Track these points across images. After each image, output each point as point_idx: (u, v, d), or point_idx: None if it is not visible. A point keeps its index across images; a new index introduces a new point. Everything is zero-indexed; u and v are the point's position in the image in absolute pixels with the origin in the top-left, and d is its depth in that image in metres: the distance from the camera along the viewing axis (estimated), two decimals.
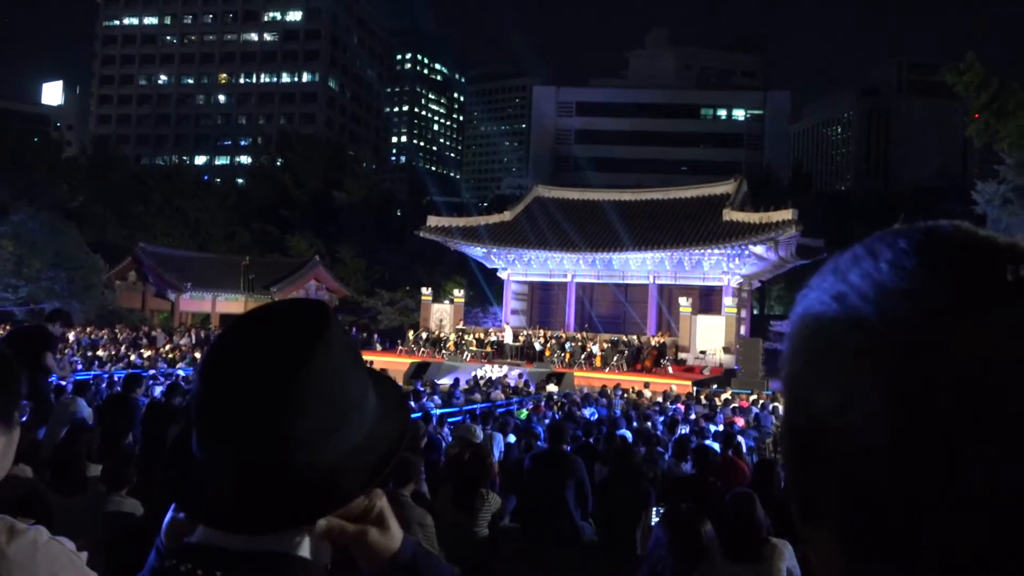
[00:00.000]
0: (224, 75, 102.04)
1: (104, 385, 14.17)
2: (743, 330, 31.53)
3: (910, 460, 0.42)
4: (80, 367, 19.16)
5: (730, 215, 29.64)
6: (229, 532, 0.84)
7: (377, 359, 26.43)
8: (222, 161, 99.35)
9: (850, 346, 0.45)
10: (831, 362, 0.46)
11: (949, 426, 0.41)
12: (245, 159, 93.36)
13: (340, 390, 0.86)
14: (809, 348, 0.48)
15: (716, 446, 9.19)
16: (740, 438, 9.83)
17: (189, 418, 0.89)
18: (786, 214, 27.39)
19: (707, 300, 31.50)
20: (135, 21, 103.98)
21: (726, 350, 27.76)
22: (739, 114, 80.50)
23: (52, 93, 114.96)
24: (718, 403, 17.39)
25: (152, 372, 17.32)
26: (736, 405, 17.31)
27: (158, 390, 13.13)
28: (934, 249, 0.45)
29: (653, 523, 2.97)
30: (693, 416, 13.80)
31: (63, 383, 10.52)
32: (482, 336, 30.20)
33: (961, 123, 21.71)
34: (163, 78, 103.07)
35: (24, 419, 6.39)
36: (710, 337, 28.23)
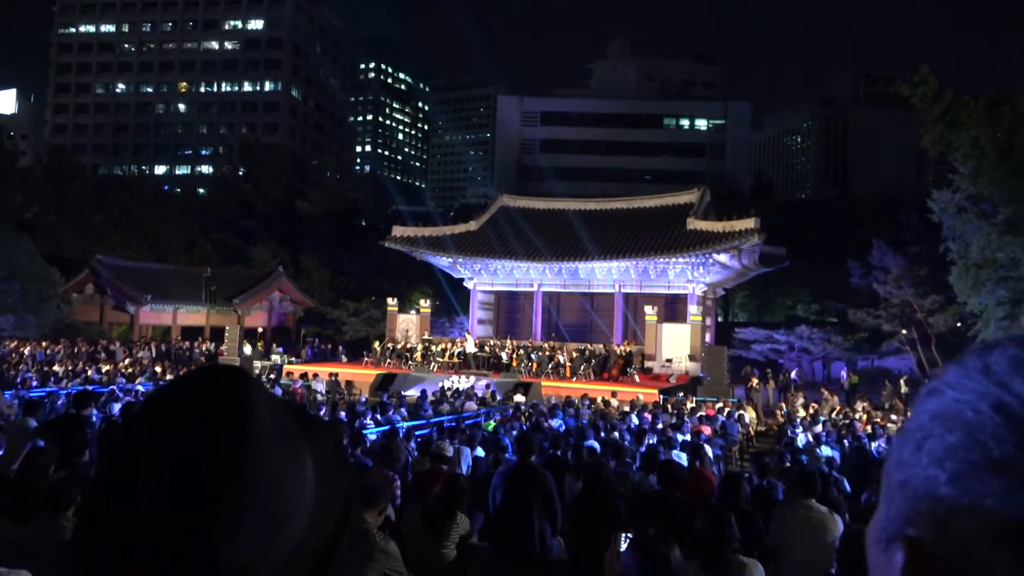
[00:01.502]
0: (184, 84, 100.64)
1: (60, 402, 13.75)
2: (708, 338, 31.81)
3: None
4: (35, 383, 18.64)
5: (694, 224, 29.92)
6: None
7: (343, 371, 26.14)
8: (183, 171, 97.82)
9: (1019, 472, 0.40)
10: (991, 486, 0.41)
11: None
12: (206, 169, 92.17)
13: (279, 490, 0.71)
14: (956, 462, 0.43)
15: (683, 456, 9.23)
16: (707, 447, 9.87)
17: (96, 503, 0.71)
18: (748, 223, 27.73)
19: (672, 308, 31.74)
20: (92, 29, 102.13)
21: (691, 358, 27.97)
22: (701, 124, 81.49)
23: (5, 101, 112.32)
24: (685, 411, 17.49)
25: (111, 388, 16.87)
26: (702, 413, 17.41)
27: (116, 407, 12.79)
28: None
29: (622, 548, 2.92)
30: (660, 425, 13.84)
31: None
32: (449, 346, 30.05)
33: (917, 134, 22.18)
34: (121, 86, 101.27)
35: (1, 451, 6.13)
36: (676, 345, 28.42)
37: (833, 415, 19.72)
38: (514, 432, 11.66)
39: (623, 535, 2.96)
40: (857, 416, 19.31)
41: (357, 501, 4.00)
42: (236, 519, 0.68)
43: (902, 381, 27.04)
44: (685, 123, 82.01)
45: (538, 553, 5.58)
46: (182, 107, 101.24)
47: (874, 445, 13.46)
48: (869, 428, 16.33)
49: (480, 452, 9.51)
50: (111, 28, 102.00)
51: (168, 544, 0.67)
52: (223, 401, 0.71)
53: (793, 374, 29.50)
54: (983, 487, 0.41)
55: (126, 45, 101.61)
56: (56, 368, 23.90)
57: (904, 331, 30.80)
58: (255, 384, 0.73)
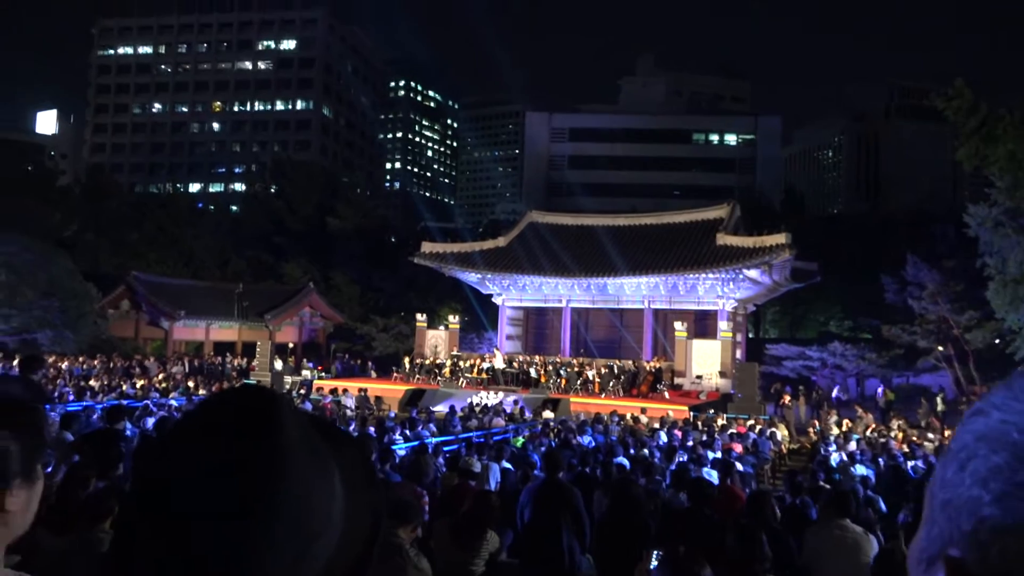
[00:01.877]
0: (218, 103, 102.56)
1: (95, 416, 13.99)
2: (739, 354, 31.47)
3: None
4: (72, 398, 18.99)
5: (724, 239, 29.71)
6: None
7: (372, 386, 26.28)
8: (216, 188, 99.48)
9: None
10: None
11: None
12: (239, 186, 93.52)
13: (308, 503, 0.73)
14: (1001, 483, 0.43)
15: (714, 473, 9.12)
16: (738, 464, 9.75)
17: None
18: (780, 238, 27.47)
19: (702, 324, 31.47)
20: (130, 51, 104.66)
21: (722, 374, 27.68)
22: (730, 139, 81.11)
23: (46, 122, 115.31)
24: (715, 428, 17.30)
25: (145, 403, 17.14)
26: (733, 431, 17.20)
27: (150, 421, 12.99)
28: None
29: (652, 566, 2.89)
30: (690, 443, 13.70)
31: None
32: (477, 362, 30.08)
33: (951, 147, 21.88)
34: (157, 106, 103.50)
35: (49, 469, 6.27)
36: (706, 361, 28.17)
37: (868, 433, 19.35)
38: (543, 448, 11.63)
39: (654, 552, 2.93)
40: (892, 434, 18.93)
41: (389, 517, 4.02)
42: (267, 533, 0.69)
43: (939, 399, 26.47)
44: (715, 138, 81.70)
45: (567, 570, 5.55)
46: (216, 126, 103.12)
47: (910, 464, 13.17)
48: (905, 447, 15.98)
49: (509, 467, 9.49)
50: (148, 50, 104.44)
51: (201, 556, 0.68)
52: (253, 418, 0.73)
53: (836, 391, 29.03)
54: None
55: (162, 66, 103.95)
56: (92, 383, 24.32)
57: (940, 348, 30.22)
58: (284, 401, 0.75)
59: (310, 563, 0.72)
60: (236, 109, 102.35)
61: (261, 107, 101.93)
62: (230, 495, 0.69)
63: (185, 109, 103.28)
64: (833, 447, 15.33)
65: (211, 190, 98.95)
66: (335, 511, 0.75)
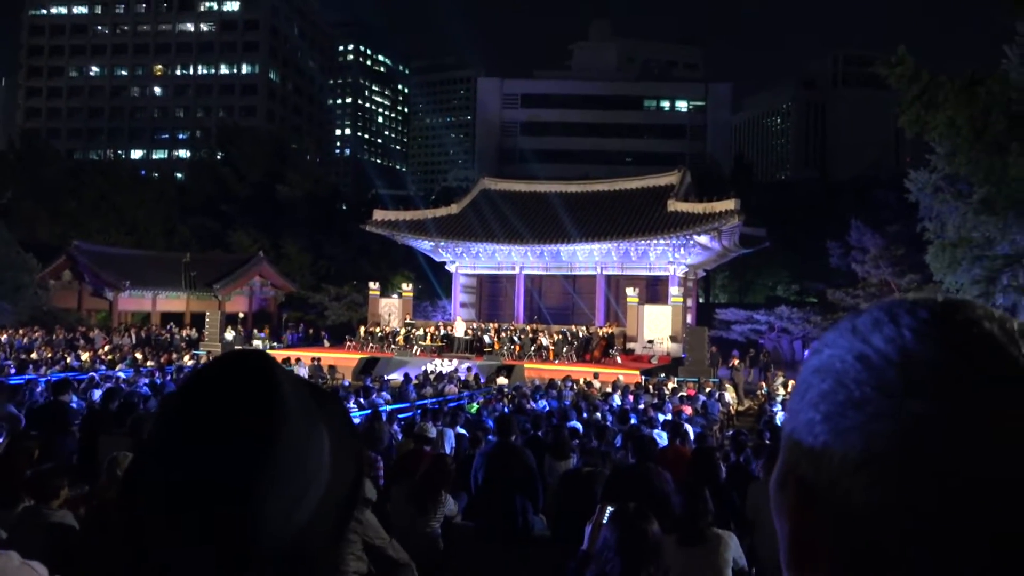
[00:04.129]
0: (160, 66, 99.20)
1: (39, 390, 13.66)
2: (689, 319, 32.05)
3: (920, 523, 0.45)
4: (13, 371, 18.48)
5: (675, 206, 30.06)
6: None
7: (325, 355, 26.10)
8: (159, 155, 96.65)
9: (872, 408, 0.48)
10: (851, 421, 0.49)
11: (964, 494, 0.44)
12: (184, 153, 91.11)
13: (304, 456, 0.82)
14: (827, 404, 0.51)
15: (664, 435, 9.35)
16: (687, 426, 10.00)
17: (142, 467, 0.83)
18: (729, 204, 27.91)
19: (654, 290, 31.93)
20: (64, 10, 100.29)
21: (673, 339, 28.19)
22: (682, 106, 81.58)
23: None
24: (666, 392, 17.66)
25: (90, 375, 16.77)
26: (684, 394, 17.59)
27: (97, 394, 12.73)
28: (958, 320, 0.49)
29: (604, 521, 2.99)
30: (642, 406, 13.98)
31: None
32: (431, 330, 30.07)
33: (894, 114, 22.34)
34: (95, 70, 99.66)
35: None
36: (657, 326, 28.63)
37: None
38: (496, 414, 11.75)
39: (607, 508, 3.03)
40: None
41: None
42: (270, 483, 0.78)
43: None
44: (666, 105, 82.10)
45: (520, 530, 5.67)
46: (158, 90, 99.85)
47: None
48: None
49: (463, 432, 9.59)
50: (83, 10, 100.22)
51: (210, 505, 0.77)
52: (252, 379, 0.81)
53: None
54: (845, 422, 0.49)
55: (99, 27, 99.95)
56: (34, 356, 23.68)
57: None
58: (278, 364, 0.84)
59: (305, 507, 0.81)
60: (179, 73, 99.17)
61: (205, 71, 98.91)
62: (237, 446, 0.77)
63: (125, 72, 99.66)
64: (779, 407, 15.79)
65: (154, 157, 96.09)
66: (324, 460, 0.85)
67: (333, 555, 0.87)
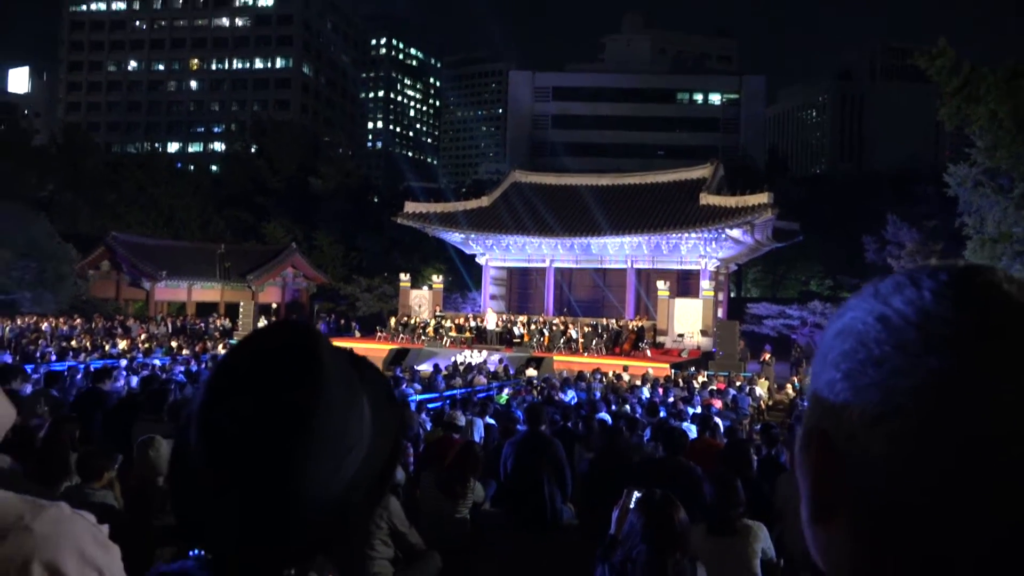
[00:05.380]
0: (196, 61, 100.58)
1: (79, 376, 13.99)
2: (720, 313, 31.80)
3: (936, 475, 0.47)
4: (54, 358, 18.94)
5: (707, 199, 29.79)
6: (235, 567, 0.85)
7: (356, 346, 26.23)
8: (195, 148, 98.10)
9: (891, 365, 0.50)
10: (870, 378, 0.51)
11: (979, 447, 0.46)
12: (219, 146, 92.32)
13: (344, 421, 0.85)
14: (848, 363, 0.53)
15: (694, 428, 9.31)
16: (717, 419, 9.95)
17: (187, 441, 0.87)
18: (762, 198, 27.59)
19: (685, 284, 31.71)
20: (103, 6, 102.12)
21: (704, 333, 27.99)
22: (715, 99, 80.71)
23: (18, 80, 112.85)
24: (696, 385, 17.55)
25: (125, 362, 17.13)
26: (714, 387, 17.47)
27: (134, 380, 13.00)
28: (978, 283, 0.51)
29: (632, 506, 3.00)
30: (671, 399, 13.92)
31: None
32: (461, 322, 30.19)
33: (934, 107, 21.89)
34: (133, 64, 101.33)
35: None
36: (688, 320, 28.44)
37: None
38: (525, 405, 11.78)
39: (634, 493, 3.04)
40: None
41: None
42: (312, 448, 0.80)
43: None
44: (699, 97, 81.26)
45: (549, 519, 5.70)
46: (194, 84, 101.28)
47: None
48: None
49: (492, 422, 9.64)
50: (122, 5, 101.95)
51: (257, 470, 0.80)
52: (296, 350, 0.84)
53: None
54: (864, 379, 0.51)
55: (137, 23, 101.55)
56: (74, 343, 24.23)
57: None
58: (321, 334, 0.89)
59: (344, 473, 0.85)
60: (214, 67, 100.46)
61: (240, 65, 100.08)
62: (283, 417, 0.80)
63: (162, 67, 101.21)
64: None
65: (190, 150, 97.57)
66: (364, 428, 0.89)
67: (369, 521, 0.90)
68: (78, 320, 32.10)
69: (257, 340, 0.87)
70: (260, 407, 0.81)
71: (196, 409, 0.85)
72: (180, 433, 0.90)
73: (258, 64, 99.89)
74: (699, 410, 12.32)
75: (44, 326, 29.26)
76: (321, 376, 0.83)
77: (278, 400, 0.81)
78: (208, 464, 0.82)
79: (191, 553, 0.90)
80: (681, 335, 28.19)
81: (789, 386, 21.82)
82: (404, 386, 14.77)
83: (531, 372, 21.18)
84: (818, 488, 0.55)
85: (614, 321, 28.97)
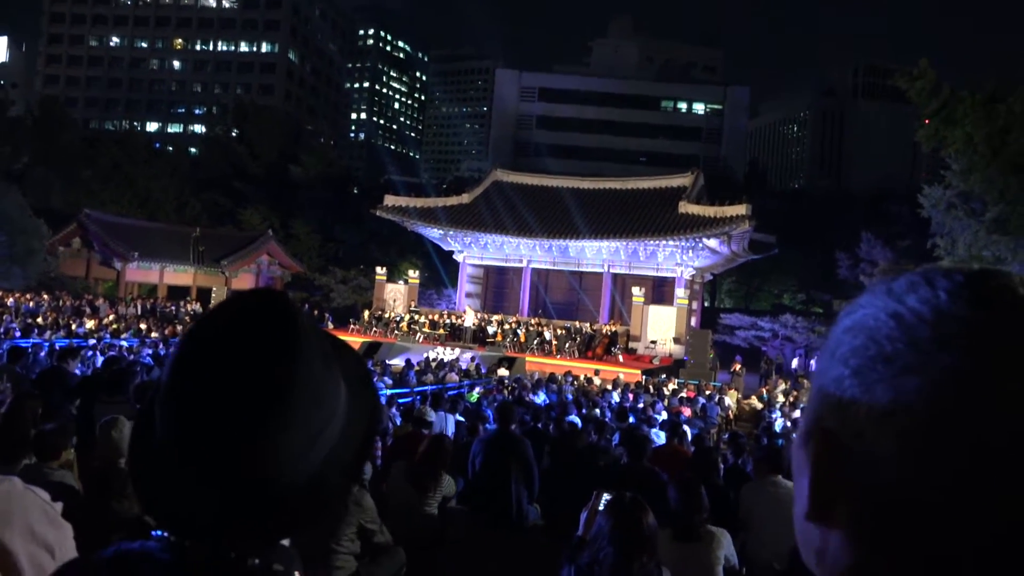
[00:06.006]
0: (180, 40, 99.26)
1: (43, 354, 13.76)
2: (694, 321, 32.03)
3: (944, 473, 0.47)
4: (18, 334, 18.60)
5: (686, 208, 30.00)
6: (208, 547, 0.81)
7: None
8: (175, 129, 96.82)
9: (902, 362, 0.49)
10: (880, 374, 0.50)
11: (990, 446, 0.46)
12: (199, 128, 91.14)
13: (320, 395, 0.82)
14: (858, 359, 0.52)
15: (662, 435, 9.37)
16: (685, 427, 10.01)
17: (151, 417, 0.83)
18: (740, 209, 27.83)
19: (660, 291, 31.90)
20: None
21: (676, 340, 28.17)
22: (699, 108, 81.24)
23: None
24: (666, 392, 17.66)
25: (92, 342, 16.87)
26: (683, 395, 17.59)
27: (99, 360, 12.80)
28: (993, 285, 0.50)
29: (600, 508, 3.01)
30: (641, 405, 13.99)
31: None
32: (436, 318, 30.12)
33: (912, 127, 22.21)
34: (115, 40, 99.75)
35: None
36: (661, 327, 28.62)
37: None
38: (496, 404, 11.77)
39: (604, 496, 3.05)
40: None
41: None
42: (286, 418, 0.77)
43: None
44: (683, 106, 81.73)
45: (514, 518, 5.70)
46: (177, 64, 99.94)
47: None
48: None
49: (462, 419, 9.62)
50: None
51: (228, 439, 0.76)
52: (276, 317, 0.81)
53: (795, 363, 29.66)
54: (874, 375, 0.50)
55: None
56: (39, 320, 23.81)
57: None
58: (296, 304, 0.84)
59: (319, 449, 0.82)
60: (198, 48, 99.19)
61: (224, 47, 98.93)
62: (259, 389, 0.77)
63: (145, 44, 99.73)
64: (778, 414, 15.79)
65: (169, 130, 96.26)
66: (340, 406, 0.86)
67: (344, 500, 0.88)
68: (45, 296, 31.55)
69: (230, 307, 0.83)
70: (235, 378, 0.77)
71: (165, 379, 0.80)
72: (144, 410, 0.86)
73: (243, 47, 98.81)
74: (666, 416, 12.41)
75: (10, 301, 28.74)
76: (299, 346, 0.79)
77: (254, 371, 0.77)
78: (177, 441, 0.78)
79: (153, 533, 0.86)
80: (654, 342, 28.35)
81: (755, 398, 22.01)
82: (375, 380, 14.70)
83: (503, 372, 21.18)
84: (818, 484, 0.54)
85: (588, 325, 29.07)
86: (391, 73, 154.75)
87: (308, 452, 0.80)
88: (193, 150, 67.08)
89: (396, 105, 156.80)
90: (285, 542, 0.89)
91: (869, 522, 0.51)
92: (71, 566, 0.88)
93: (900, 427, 0.48)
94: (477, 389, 15.91)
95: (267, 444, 0.77)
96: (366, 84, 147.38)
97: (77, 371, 9.74)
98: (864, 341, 0.52)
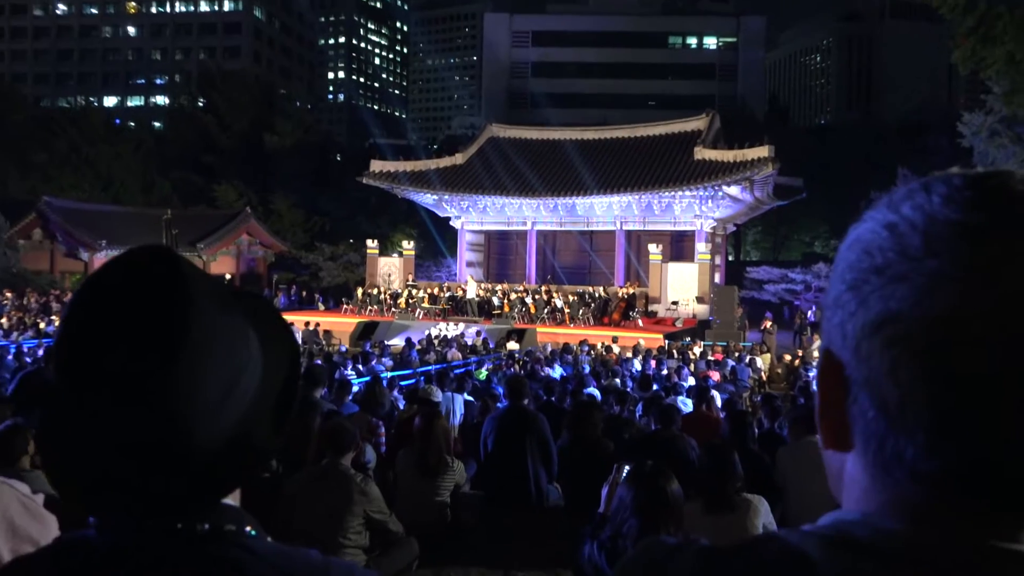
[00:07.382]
0: (133, 4, 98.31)
1: (10, 357, 13.81)
2: (718, 278, 32.01)
3: (940, 382, 0.49)
4: None
5: (702, 153, 29.82)
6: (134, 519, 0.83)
7: (320, 319, 26.28)
8: (135, 102, 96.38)
9: (892, 272, 0.52)
10: (872, 286, 0.53)
11: (975, 351, 0.47)
12: (162, 99, 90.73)
13: (222, 341, 0.84)
14: (853, 274, 0.55)
15: (689, 402, 9.42)
16: (714, 392, 10.05)
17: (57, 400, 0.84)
18: (762, 151, 27.66)
19: (679, 246, 31.85)
20: None
21: (700, 300, 28.19)
22: (710, 43, 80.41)
23: None
24: (692, 357, 17.71)
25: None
26: (711, 359, 17.64)
27: None
28: (989, 185, 0.52)
29: (622, 479, 3.05)
30: (664, 371, 14.05)
31: None
32: (435, 291, 30.17)
33: (947, 49, 21.94)
34: (62, 7, 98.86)
35: None
36: (682, 286, 28.61)
37: None
38: (505, 379, 11.83)
39: (625, 467, 3.09)
40: None
41: (329, 450, 4.39)
42: (190, 376, 0.79)
43: None
44: (693, 42, 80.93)
45: (534, 500, 5.76)
46: (132, 31, 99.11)
47: None
48: None
49: (471, 399, 9.69)
50: None
51: (131, 406, 0.78)
52: (159, 268, 0.83)
53: (810, 314, 29.72)
54: (867, 288, 0.53)
55: None
56: (3, 321, 23.93)
57: None
58: (182, 258, 0.87)
59: (237, 401, 0.85)
60: (155, 11, 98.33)
61: (183, 8, 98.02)
62: (150, 344, 0.79)
63: (95, 11, 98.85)
64: (813, 372, 15.82)
65: (129, 104, 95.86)
66: (252, 352, 0.89)
67: (274, 451, 0.91)
68: (8, 295, 31.67)
69: (113, 264, 0.85)
70: (125, 327, 0.79)
71: (55, 349, 0.82)
72: (48, 384, 0.86)
73: (204, 7, 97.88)
74: (693, 382, 12.46)
75: None
76: (187, 291, 0.82)
77: (145, 317, 0.80)
78: (79, 404, 0.80)
79: (90, 520, 0.88)
80: (675, 303, 28.37)
81: (789, 356, 22.06)
82: (374, 362, 14.79)
83: (512, 345, 21.24)
84: (826, 407, 0.57)
85: (602, 288, 29.08)
86: (369, 25, 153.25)
87: (223, 403, 0.83)
88: (157, 124, 66.95)
89: (376, 60, 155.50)
90: (230, 500, 0.90)
91: (872, 442, 0.53)
92: (16, 563, 0.91)
93: (889, 337, 0.50)
94: (486, 366, 15.98)
95: (170, 394, 0.79)
96: (342, 39, 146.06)
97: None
98: (859, 254, 0.55)
